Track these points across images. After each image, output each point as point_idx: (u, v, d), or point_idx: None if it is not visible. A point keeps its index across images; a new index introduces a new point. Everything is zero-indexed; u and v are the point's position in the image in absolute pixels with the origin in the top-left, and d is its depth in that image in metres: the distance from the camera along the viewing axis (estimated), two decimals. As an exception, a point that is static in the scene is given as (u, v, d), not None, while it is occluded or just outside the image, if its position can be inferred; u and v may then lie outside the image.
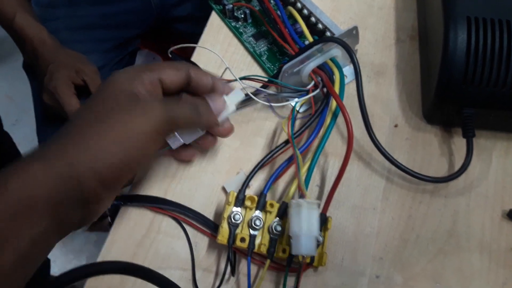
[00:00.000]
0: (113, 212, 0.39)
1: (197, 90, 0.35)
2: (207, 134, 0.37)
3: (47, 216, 0.26)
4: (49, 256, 0.95)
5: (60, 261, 1.17)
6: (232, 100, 0.36)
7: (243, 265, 0.37)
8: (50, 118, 0.71)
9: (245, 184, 0.36)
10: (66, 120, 0.64)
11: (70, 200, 0.27)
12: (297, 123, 0.42)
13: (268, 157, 0.38)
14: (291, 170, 0.40)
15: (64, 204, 0.27)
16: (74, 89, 0.63)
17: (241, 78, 0.41)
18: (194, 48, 0.48)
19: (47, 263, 0.94)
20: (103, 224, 1.17)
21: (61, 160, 0.27)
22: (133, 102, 0.30)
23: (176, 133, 0.36)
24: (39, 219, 0.25)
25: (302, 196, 0.34)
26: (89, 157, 0.27)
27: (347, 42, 0.38)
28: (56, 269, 1.15)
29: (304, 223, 0.32)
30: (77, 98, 0.63)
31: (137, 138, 0.29)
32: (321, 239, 0.33)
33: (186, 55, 0.47)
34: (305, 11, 0.45)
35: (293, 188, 0.36)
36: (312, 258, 0.34)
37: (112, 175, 0.28)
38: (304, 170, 0.37)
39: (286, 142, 0.39)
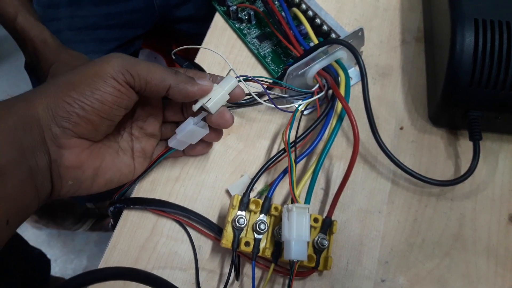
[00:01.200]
0: (116, 215, 0.39)
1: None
2: (211, 130, 0.37)
3: (10, 146, 0.28)
4: (50, 256, 0.94)
5: (61, 260, 1.17)
6: (223, 86, 0.35)
7: (247, 269, 0.36)
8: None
9: (250, 187, 0.36)
10: None
11: (29, 136, 0.29)
12: (302, 125, 0.42)
13: (272, 160, 0.38)
14: (296, 172, 0.39)
15: (24, 138, 0.28)
16: None
17: (245, 79, 0.41)
18: (197, 49, 0.47)
19: (47, 263, 0.94)
20: (104, 224, 1.17)
21: (21, 101, 0.30)
22: (97, 59, 0.32)
23: (178, 136, 0.35)
24: (3, 147, 0.27)
25: (293, 201, 0.34)
26: (44, 96, 0.30)
27: (352, 44, 0.38)
28: (57, 269, 1.15)
29: (294, 228, 0.32)
30: None
31: (90, 79, 0.31)
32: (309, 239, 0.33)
33: (189, 56, 0.47)
34: (310, 13, 0.45)
35: (297, 191, 0.36)
36: (317, 262, 0.34)
37: (65, 114, 0.30)
38: (309, 173, 0.36)
39: (293, 143, 0.38)
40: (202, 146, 0.39)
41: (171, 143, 0.37)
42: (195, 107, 0.34)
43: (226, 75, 0.36)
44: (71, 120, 0.30)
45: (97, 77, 0.30)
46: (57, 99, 0.30)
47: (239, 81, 0.37)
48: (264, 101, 0.40)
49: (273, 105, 0.39)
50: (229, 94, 0.35)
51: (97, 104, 0.30)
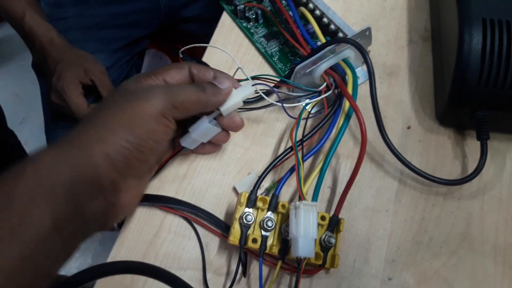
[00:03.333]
0: None
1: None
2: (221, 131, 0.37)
3: (66, 202, 0.26)
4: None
5: (66, 259, 1.17)
6: (240, 93, 0.36)
7: (254, 266, 0.36)
8: (58, 118, 0.71)
9: (257, 185, 0.36)
10: (74, 119, 0.64)
11: (87, 187, 0.28)
12: (309, 123, 0.42)
13: (279, 158, 0.38)
14: (304, 170, 0.40)
15: (81, 191, 0.27)
16: (82, 88, 0.63)
17: (253, 77, 0.41)
18: (204, 48, 0.48)
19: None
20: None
21: (76, 148, 0.28)
22: (138, 93, 0.32)
23: (192, 134, 0.35)
24: (59, 204, 0.26)
25: (300, 198, 0.34)
26: (101, 143, 0.29)
27: (360, 43, 0.38)
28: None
29: (302, 225, 0.32)
30: (85, 97, 0.63)
31: (143, 120, 0.30)
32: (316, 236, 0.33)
33: (196, 55, 0.47)
34: (317, 12, 0.45)
35: (305, 189, 0.36)
36: (324, 260, 0.34)
37: (124, 159, 0.29)
38: (316, 171, 0.37)
39: (300, 142, 0.38)
40: (212, 145, 0.40)
41: (184, 142, 0.37)
42: None
43: (243, 82, 0.37)
44: (129, 164, 0.30)
45: (149, 117, 0.30)
46: (116, 146, 0.29)
47: (256, 92, 0.38)
48: (271, 99, 0.40)
49: (281, 106, 0.40)
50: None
51: (153, 145, 0.31)
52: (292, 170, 0.37)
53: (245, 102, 0.42)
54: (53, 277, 0.26)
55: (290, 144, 0.39)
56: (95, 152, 0.28)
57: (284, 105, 0.40)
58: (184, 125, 0.36)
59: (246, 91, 0.36)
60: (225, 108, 0.35)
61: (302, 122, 0.39)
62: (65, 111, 0.65)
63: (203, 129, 0.35)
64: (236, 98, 0.35)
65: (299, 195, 0.35)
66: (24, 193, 0.25)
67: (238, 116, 0.36)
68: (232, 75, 0.43)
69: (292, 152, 0.38)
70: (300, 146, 0.38)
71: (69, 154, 0.28)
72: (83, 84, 0.63)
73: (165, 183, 0.40)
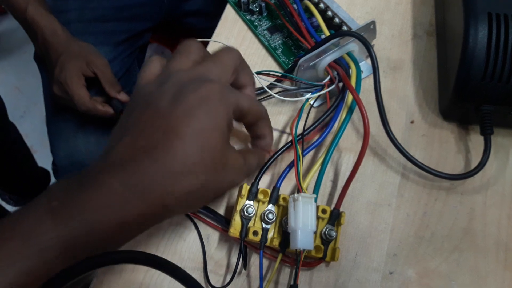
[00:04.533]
0: None
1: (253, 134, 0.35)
2: None
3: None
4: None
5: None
6: None
7: (254, 259, 0.36)
8: (60, 110, 0.71)
9: (258, 177, 0.36)
10: (75, 111, 0.63)
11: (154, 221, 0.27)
12: (312, 117, 0.42)
13: (280, 152, 0.38)
14: (305, 164, 0.39)
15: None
16: (84, 80, 0.63)
17: (257, 73, 0.41)
18: (207, 41, 0.47)
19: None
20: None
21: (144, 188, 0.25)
22: (228, 148, 0.30)
23: None
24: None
25: (299, 191, 0.34)
26: (169, 179, 0.26)
27: (364, 37, 0.38)
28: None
29: (300, 217, 0.32)
30: (87, 89, 0.63)
31: (219, 189, 0.29)
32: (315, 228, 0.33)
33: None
34: (322, 5, 0.45)
35: (306, 183, 0.36)
36: (325, 253, 0.34)
37: (194, 197, 0.27)
38: (317, 165, 0.36)
39: (300, 135, 0.38)
40: None
41: None
42: None
43: None
44: None
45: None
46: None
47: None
48: (275, 93, 0.40)
49: (283, 98, 0.39)
50: None
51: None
52: (293, 163, 0.37)
53: None
54: None
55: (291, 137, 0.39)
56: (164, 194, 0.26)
57: (286, 99, 0.40)
58: None
59: None
60: None
61: (304, 116, 0.39)
62: (67, 103, 0.65)
63: None
64: None
65: (297, 187, 0.34)
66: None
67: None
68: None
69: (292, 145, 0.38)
70: (301, 140, 0.37)
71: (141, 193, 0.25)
72: (86, 76, 0.63)
73: (167, 175, 0.40)
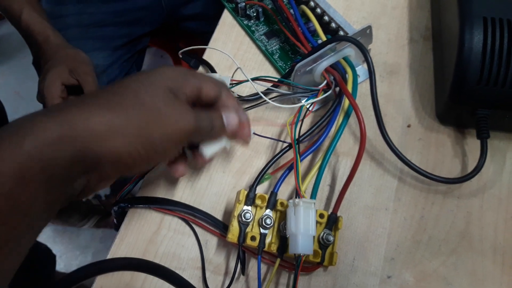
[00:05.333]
0: (119, 215, 0.39)
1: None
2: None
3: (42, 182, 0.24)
4: (55, 251, 0.95)
5: (66, 257, 1.17)
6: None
7: (253, 264, 0.37)
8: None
9: (256, 182, 0.36)
10: None
11: (83, 176, 0.26)
12: (308, 121, 0.42)
13: (277, 156, 0.38)
14: (303, 169, 0.40)
15: (73, 178, 0.25)
16: (66, 89, 0.61)
17: (253, 79, 0.41)
18: (204, 49, 0.48)
19: (53, 259, 0.94)
20: (109, 221, 1.18)
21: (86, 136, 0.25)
22: (171, 98, 0.29)
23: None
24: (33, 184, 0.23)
25: (298, 196, 0.34)
26: (107, 133, 0.26)
27: (360, 42, 0.38)
28: (62, 265, 1.15)
29: (301, 222, 0.32)
30: (65, 100, 0.60)
31: (171, 144, 0.28)
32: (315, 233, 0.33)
33: (197, 54, 0.47)
34: (318, 10, 0.45)
35: (304, 187, 0.36)
36: (323, 257, 0.34)
37: (126, 161, 0.27)
38: (315, 169, 0.37)
39: (297, 140, 0.38)
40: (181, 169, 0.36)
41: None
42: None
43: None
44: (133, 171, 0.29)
45: (176, 142, 0.30)
46: (129, 147, 0.27)
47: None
48: (270, 99, 0.40)
49: (278, 104, 0.39)
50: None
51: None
52: (291, 168, 0.37)
53: (244, 100, 0.42)
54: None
55: (288, 141, 0.39)
56: (103, 146, 0.26)
57: (282, 105, 0.40)
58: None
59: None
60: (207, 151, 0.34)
61: (300, 121, 0.39)
62: None
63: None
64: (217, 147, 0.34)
65: (297, 192, 0.35)
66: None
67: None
68: (231, 75, 0.43)
69: (290, 149, 0.38)
70: (298, 143, 0.38)
71: (71, 136, 0.25)
72: (68, 84, 0.60)
73: (165, 181, 0.40)
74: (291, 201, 0.34)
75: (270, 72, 0.46)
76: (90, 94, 0.29)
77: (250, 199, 0.35)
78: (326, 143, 0.39)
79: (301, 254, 0.32)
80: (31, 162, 0.23)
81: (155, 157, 0.29)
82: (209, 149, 0.34)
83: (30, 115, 0.25)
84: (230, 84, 0.42)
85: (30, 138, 0.23)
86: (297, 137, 0.38)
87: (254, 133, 0.40)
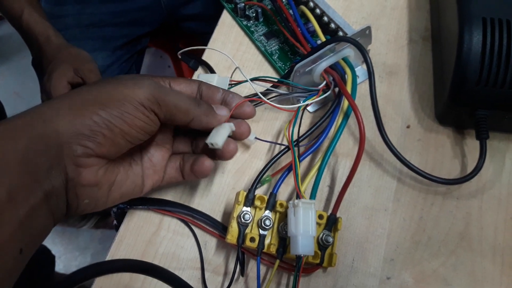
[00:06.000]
0: (119, 216, 0.39)
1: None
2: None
3: (21, 172, 0.25)
4: (54, 252, 0.95)
5: (65, 257, 1.17)
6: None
7: (252, 265, 0.37)
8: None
9: (255, 184, 0.36)
10: None
11: (44, 156, 0.26)
12: (308, 122, 0.42)
13: (276, 158, 0.38)
14: (302, 169, 0.40)
15: (37, 160, 0.26)
16: (72, 88, 0.62)
17: (252, 79, 0.41)
18: (203, 50, 0.48)
19: (52, 260, 0.94)
20: (108, 222, 1.18)
21: (37, 115, 0.27)
22: (126, 78, 0.31)
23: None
24: (12, 173, 0.24)
25: (298, 197, 0.34)
26: (67, 113, 0.27)
27: (360, 42, 0.38)
28: (61, 266, 1.15)
29: (301, 223, 0.32)
30: None
31: (121, 101, 0.29)
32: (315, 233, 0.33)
33: (196, 55, 0.47)
34: (318, 11, 0.45)
35: (303, 188, 0.36)
36: (322, 258, 0.34)
37: (89, 132, 0.28)
38: (314, 170, 0.37)
39: (296, 141, 0.38)
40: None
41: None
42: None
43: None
44: (96, 140, 0.28)
45: (127, 101, 0.29)
46: (84, 117, 0.28)
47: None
48: (268, 99, 0.40)
49: (277, 104, 0.39)
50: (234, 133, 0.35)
51: (125, 127, 0.29)
52: (290, 169, 0.37)
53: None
54: (25, 256, 0.25)
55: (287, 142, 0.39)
56: (58, 119, 0.27)
57: (280, 106, 0.40)
58: (181, 131, 0.36)
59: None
60: (218, 140, 0.33)
61: (298, 121, 0.39)
62: None
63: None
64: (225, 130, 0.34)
65: (297, 193, 0.35)
66: None
67: (234, 143, 0.34)
68: (230, 75, 0.43)
69: (289, 150, 0.38)
70: (297, 145, 0.38)
71: (28, 121, 0.26)
72: (73, 83, 0.61)
73: (164, 181, 0.40)
74: (291, 202, 0.34)
75: (270, 72, 0.46)
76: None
77: (249, 200, 0.35)
78: (326, 144, 0.39)
79: (302, 255, 0.32)
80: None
81: (118, 125, 0.29)
82: (214, 138, 0.33)
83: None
84: (229, 84, 0.42)
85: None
86: (295, 138, 0.38)
87: (256, 138, 0.40)
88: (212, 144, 0.32)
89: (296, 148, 0.37)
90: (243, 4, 0.48)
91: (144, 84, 0.30)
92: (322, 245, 0.34)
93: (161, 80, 0.34)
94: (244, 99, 0.35)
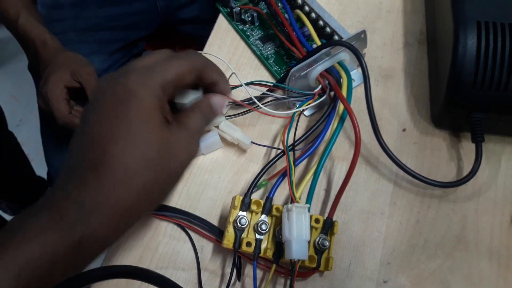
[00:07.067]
0: None
1: (205, 84, 0.34)
2: None
3: None
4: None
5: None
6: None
7: (249, 270, 0.36)
8: (52, 120, 0.70)
9: (251, 188, 0.36)
10: (58, 126, 0.61)
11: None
12: (304, 126, 0.42)
13: (271, 162, 0.38)
14: (298, 173, 0.40)
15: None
16: (69, 92, 0.61)
17: (247, 84, 0.41)
18: (200, 50, 0.48)
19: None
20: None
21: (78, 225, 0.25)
22: (164, 131, 0.29)
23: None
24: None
25: (292, 201, 0.34)
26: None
27: (355, 46, 0.38)
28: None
29: (294, 227, 0.32)
30: (69, 102, 0.61)
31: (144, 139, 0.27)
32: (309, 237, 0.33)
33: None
34: (313, 15, 0.45)
35: (299, 192, 0.36)
36: (318, 262, 0.34)
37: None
38: (310, 174, 0.37)
39: (291, 145, 0.38)
40: None
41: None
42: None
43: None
44: None
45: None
46: None
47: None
48: (264, 103, 0.40)
49: (272, 110, 0.40)
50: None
51: None
52: (285, 173, 0.37)
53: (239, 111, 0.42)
54: None
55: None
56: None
57: (278, 112, 0.40)
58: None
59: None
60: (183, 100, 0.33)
61: (294, 126, 0.39)
62: (51, 116, 0.64)
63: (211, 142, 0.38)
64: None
65: (291, 197, 0.35)
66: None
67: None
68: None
69: (285, 155, 0.38)
70: (293, 149, 0.38)
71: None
72: (70, 87, 0.61)
73: (160, 186, 0.40)
74: (285, 206, 0.34)
75: (265, 76, 0.46)
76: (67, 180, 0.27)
77: (246, 205, 0.35)
78: (322, 148, 0.39)
79: (296, 260, 0.32)
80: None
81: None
82: (182, 99, 0.33)
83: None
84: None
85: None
86: (290, 143, 0.38)
87: (252, 142, 0.40)
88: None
89: (291, 153, 0.37)
90: (239, 8, 0.48)
91: (190, 148, 0.30)
92: (319, 249, 0.34)
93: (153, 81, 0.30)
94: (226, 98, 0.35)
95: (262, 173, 0.37)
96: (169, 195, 0.37)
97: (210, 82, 0.33)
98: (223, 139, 0.41)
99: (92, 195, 0.25)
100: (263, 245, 0.35)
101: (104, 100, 0.28)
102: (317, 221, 0.35)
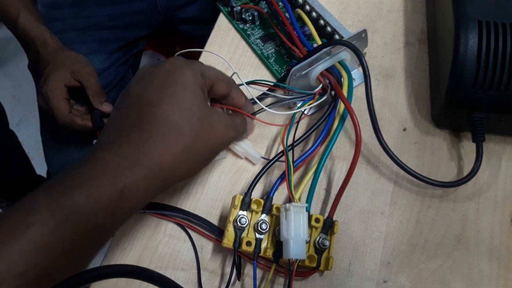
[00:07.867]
0: None
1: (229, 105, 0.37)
2: None
3: None
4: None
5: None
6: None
7: (248, 269, 0.36)
8: (51, 120, 0.70)
9: (251, 188, 0.36)
10: (58, 125, 0.62)
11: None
12: (304, 125, 0.42)
13: (271, 162, 0.38)
14: (298, 173, 0.40)
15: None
16: (69, 91, 0.61)
17: (248, 83, 0.41)
18: (200, 52, 0.48)
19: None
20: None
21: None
22: (208, 110, 0.32)
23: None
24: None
25: (291, 200, 0.34)
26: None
27: (356, 45, 0.38)
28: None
29: (292, 227, 0.32)
30: (69, 101, 0.61)
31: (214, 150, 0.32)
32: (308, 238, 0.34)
33: (193, 57, 0.47)
34: (314, 14, 0.45)
35: (299, 192, 0.36)
36: (319, 262, 0.34)
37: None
38: (310, 173, 0.37)
39: (291, 145, 0.38)
40: None
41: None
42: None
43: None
44: None
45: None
46: None
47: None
48: (267, 104, 0.40)
49: (273, 111, 0.40)
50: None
51: None
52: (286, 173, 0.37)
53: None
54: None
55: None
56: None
57: (275, 112, 0.40)
58: None
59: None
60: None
61: (294, 125, 0.39)
62: (51, 115, 0.64)
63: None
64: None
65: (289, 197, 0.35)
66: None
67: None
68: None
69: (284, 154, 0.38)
70: (292, 149, 0.37)
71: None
72: (70, 86, 0.60)
73: (160, 185, 0.40)
74: (283, 206, 0.34)
75: (266, 75, 0.46)
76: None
77: (246, 204, 0.35)
78: (322, 147, 0.39)
79: (294, 259, 0.32)
80: None
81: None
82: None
83: None
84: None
85: None
86: (290, 142, 0.38)
87: (262, 157, 0.40)
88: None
89: (290, 153, 0.36)
90: (240, 7, 0.48)
91: (229, 131, 0.34)
92: (319, 249, 0.34)
93: (207, 80, 0.34)
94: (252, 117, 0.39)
95: (262, 172, 0.37)
96: (203, 168, 0.37)
97: (234, 104, 0.36)
98: (229, 151, 0.41)
99: (134, 149, 0.27)
100: (263, 245, 0.35)
101: (150, 73, 0.31)
102: (317, 220, 0.34)
